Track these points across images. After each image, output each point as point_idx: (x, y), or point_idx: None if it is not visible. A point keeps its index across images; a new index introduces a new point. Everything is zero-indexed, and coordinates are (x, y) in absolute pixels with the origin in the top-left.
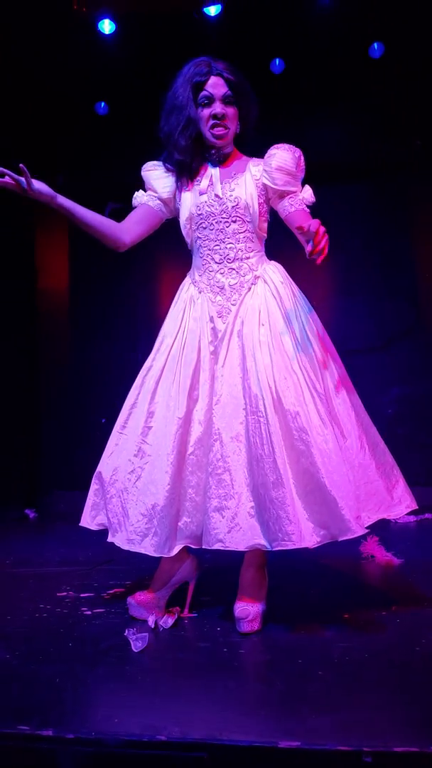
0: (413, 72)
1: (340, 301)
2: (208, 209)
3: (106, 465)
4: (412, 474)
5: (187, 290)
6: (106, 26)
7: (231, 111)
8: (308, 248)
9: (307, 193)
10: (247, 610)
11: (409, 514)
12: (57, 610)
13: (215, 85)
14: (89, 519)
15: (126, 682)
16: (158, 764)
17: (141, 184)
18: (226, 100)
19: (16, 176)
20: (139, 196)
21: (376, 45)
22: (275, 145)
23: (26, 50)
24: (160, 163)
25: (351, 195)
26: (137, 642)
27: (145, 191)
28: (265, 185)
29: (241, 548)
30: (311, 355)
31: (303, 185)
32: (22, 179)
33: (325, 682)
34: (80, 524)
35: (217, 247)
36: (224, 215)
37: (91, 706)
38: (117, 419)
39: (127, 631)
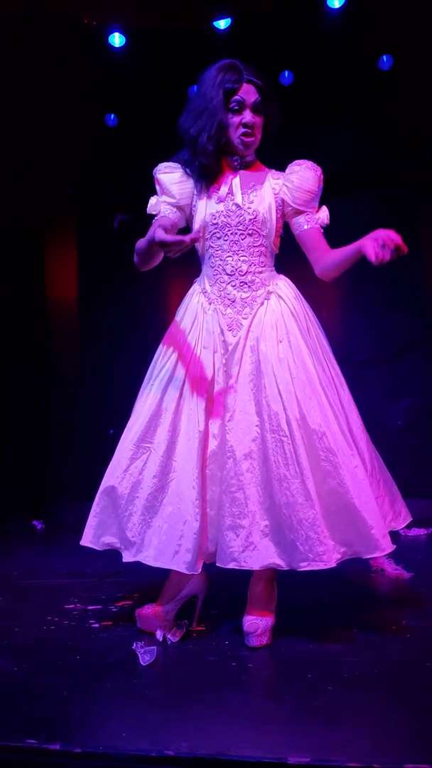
0: (422, 84)
1: (350, 313)
2: (225, 219)
3: (121, 480)
4: (423, 485)
5: (197, 299)
6: (117, 39)
7: (259, 120)
8: (380, 253)
9: (324, 214)
10: (257, 624)
11: (419, 526)
12: (65, 623)
13: (247, 92)
14: (93, 538)
15: (134, 696)
16: None
17: (146, 202)
18: (255, 109)
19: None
20: (155, 206)
21: (385, 57)
22: (297, 162)
23: (37, 63)
24: (178, 165)
25: (360, 207)
26: (145, 655)
27: (159, 196)
28: (283, 201)
29: (256, 567)
30: (329, 373)
31: (320, 205)
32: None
33: (335, 697)
34: (82, 543)
35: (230, 259)
36: (241, 227)
37: (98, 719)
38: (128, 431)
39: (135, 645)
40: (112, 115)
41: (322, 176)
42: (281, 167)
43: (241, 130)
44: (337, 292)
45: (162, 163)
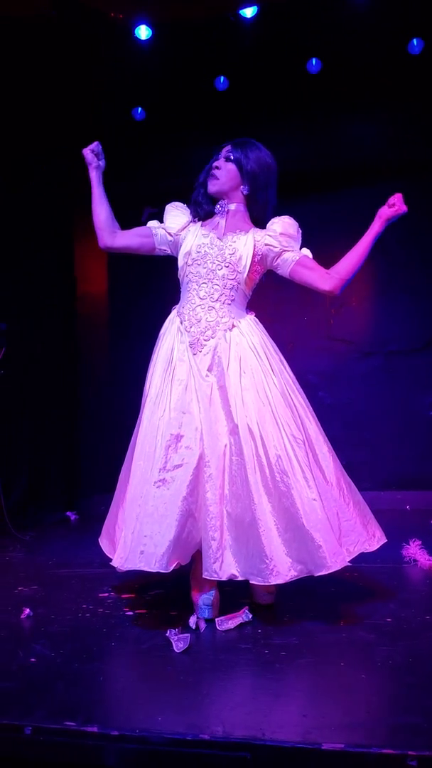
0: None
1: (380, 302)
2: (207, 249)
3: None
4: None
5: (172, 323)
6: (143, 32)
7: (228, 165)
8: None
9: (307, 251)
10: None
11: None
12: (99, 611)
13: (225, 148)
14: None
15: (168, 682)
16: (201, 763)
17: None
18: (227, 158)
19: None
20: (150, 222)
21: (415, 41)
22: (276, 218)
23: (64, 59)
24: (184, 205)
25: (389, 193)
26: (179, 642)
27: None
28: (266, 248)
29: (223, 578)
30: (293, 406)
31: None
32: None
33: (369, 685)
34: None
35: (205, 285)
36: (219, 258)
37: (134, 704)
38: (144, 464)
39: (168, 632)
40: (140, 109)
41: (299, 229)
42: (310, 156)
43: (209, 172)
44: (366, 283)
45: (175, 201)
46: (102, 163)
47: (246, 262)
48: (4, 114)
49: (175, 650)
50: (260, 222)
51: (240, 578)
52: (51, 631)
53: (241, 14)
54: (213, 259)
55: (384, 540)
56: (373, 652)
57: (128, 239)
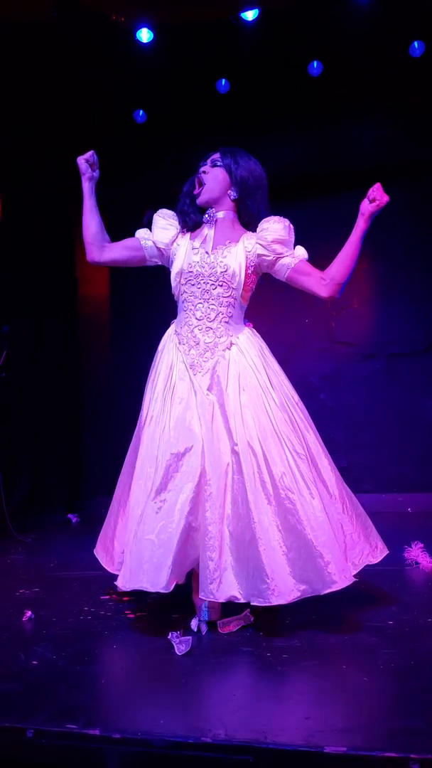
0: None
1: (381, 305)
2: (199, 269)
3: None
4: None
5: (171, 341)
6: (144, 35)
7: (215, 171)
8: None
9: (301, 251)
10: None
11: None
12: (101, 613)
13: (212, 155)
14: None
15: (170, 684)
16: (203, 766)
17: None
18: (214, 163)
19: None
20: (139, 232)
21: (416, 44)
22: (266, 219)
23: (66, 60)
24: (173, 214)
25: (391, 197)
26: (180, 645)
27: (150, 227)
28: (259, 258)
29: (222, 600)
30: (293, 420)
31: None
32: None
33: (371, 688)
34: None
35: (200, 305)
36: (212, 278)
37: (136, 706)
38: (144, 483)
39: (170, 635)
40: (141, 111)
41: (291, 226)
42: (312, 159)
43: (196, 179)
44: (368, 285)
45: (163, 209)
46: (96, 173)
47: (239, 277)
48: (6, 116)
49: (177, 653)
50: (251, 225)
51: (242, 600)
52: (52, 633)
53: (243, 17)
54: (206, 279)
55: (386, 551)
56: (375, 655)
57: (116, 253)
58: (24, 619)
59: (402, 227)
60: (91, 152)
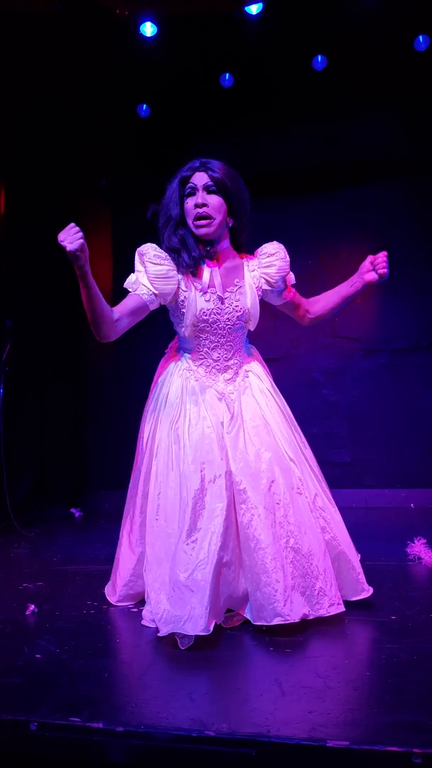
0: None
1: (385, 300)
2: (215, 317)
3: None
4: None
5: (178, 376)
6: (148, 29)
7: (214, 200)
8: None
9: (291, 276)
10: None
11: None
12: (104, 607)
13: (200, 178)
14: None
15: (174, 678)
16: (207, 759)
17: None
18: (208, 189)
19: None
20: (134, 283)
21: (421, 38)
22: (266, 251)
23: (69, 55)
24: (167, 257)
25: (395, 192)
26: (184, 639)
27: (142, 278)
28: (262, 291)
29: (296, 620)
30: (303, 441)
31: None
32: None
33: (374, 682)
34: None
35: (217, 346)
36: (229, 323)
37: (139, 700)
38: (169, 522)
39: None
40: (144, 106)
41: (286, 252)
42: (309, 155)
43: (195, 212)
44: None
45: (151, 249)
46: (87, 252)
47: (255, 313)
48: (8, 108)
49: (180, 647)
50: (241, 244)
51: (311, 617)
52: (56, 627)
53: (247, 11)
54: (222, 325)
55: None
56: (377, 650)
57: (126, 324)
58: (27, 612)
59: (406, 222)
60: (78, 233)
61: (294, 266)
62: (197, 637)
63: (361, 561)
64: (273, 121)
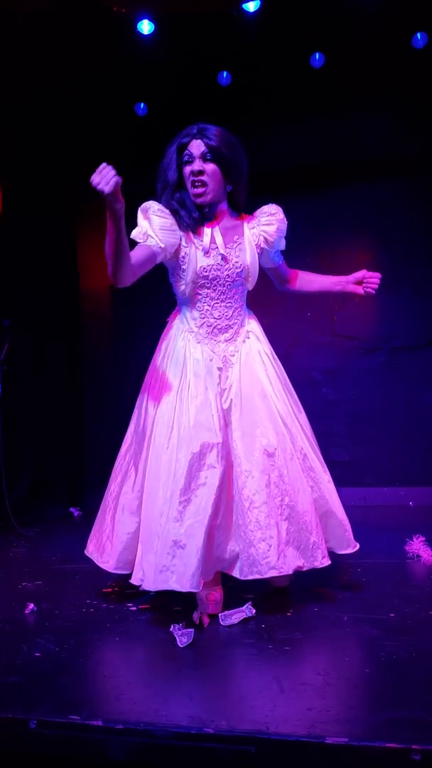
0: None
1: (384, 298)
2: (215, 273)
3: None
4: None
5: (182, 340)
6: (145, 27)
7: (211, 168)
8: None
9: (283, 242)
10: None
11: None
12: (103, 606)
13: (197, 146)
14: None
15: (172, 676)
16: (206, 757)
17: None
18: (205, 157)
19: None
20: (143, 234)
21: (419, 35)
22: (267, 210)
23: (67, 53)
24: (167, 212)
25: (394, 190)
26: (183, 637)
27: (147, 230)
28: (260, 249)
29: (290, 572)
30: (298, 404)
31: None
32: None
33: (373, 680)
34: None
35: (217, 304)
36: (229, 279)
37: (138, 698)
38: (164, 483)
39: (172, 627)
40: (142, 104)
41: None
42: (309, 152)
43: (191, 179)
44: None
45: (154, 204)
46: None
47: (255, 271)
48: (6, 106)
49: (179, 645)
50: (240, 205)
51: (305, 569)
52: (55, 625)
53: (244, 8)
54: (223, 281)
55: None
56: (376, 647)
57: (139, 272)
58: (27, 611)
59: (406, 220)
60: (109, 171)
61: (293, 263)
62: (196, 635)
63: (360, 559)
64: (271, 120)
